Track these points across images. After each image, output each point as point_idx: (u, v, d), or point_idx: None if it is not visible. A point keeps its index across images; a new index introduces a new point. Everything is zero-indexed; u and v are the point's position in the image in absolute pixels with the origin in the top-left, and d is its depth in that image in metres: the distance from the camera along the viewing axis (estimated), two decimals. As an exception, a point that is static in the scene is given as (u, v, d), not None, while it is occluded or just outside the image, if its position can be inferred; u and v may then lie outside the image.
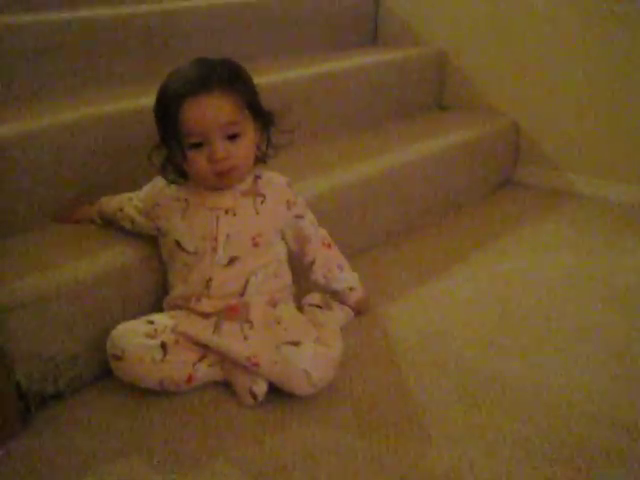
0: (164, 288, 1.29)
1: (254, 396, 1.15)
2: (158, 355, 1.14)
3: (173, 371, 1.15)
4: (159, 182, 1.29)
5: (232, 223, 1.22)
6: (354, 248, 1.68)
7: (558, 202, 2.11)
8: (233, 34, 2.02)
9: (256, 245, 1.23)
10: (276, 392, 1.17)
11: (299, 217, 1.32)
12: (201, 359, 1.18)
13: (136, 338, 1.15)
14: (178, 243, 1.23)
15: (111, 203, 1.35)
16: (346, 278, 1.39)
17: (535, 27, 2.14)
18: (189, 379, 1.17)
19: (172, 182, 1.27)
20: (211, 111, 1.16)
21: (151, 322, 1.18)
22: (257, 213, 1.25)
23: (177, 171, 1.26)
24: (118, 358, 1.15)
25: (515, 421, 1.12)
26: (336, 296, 1.40)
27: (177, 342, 1.16)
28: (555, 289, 1.56)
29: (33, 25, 1.62)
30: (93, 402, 1.19)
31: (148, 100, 1.29)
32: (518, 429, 1.10)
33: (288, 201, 1.30)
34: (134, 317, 1.24)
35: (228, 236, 1.22)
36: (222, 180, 1.21)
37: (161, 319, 1.20)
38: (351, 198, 1.66)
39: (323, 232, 1.38)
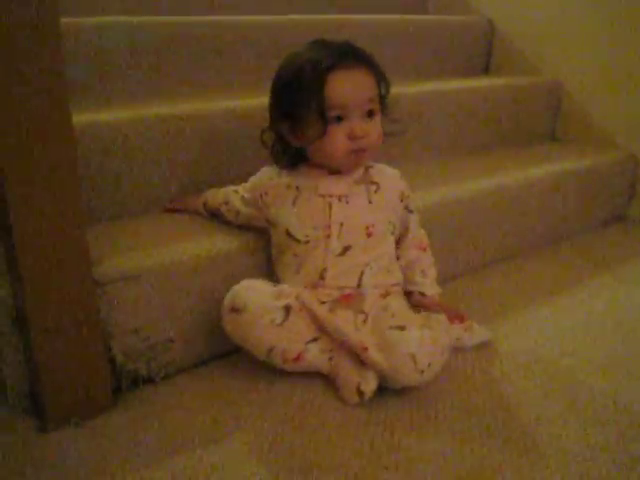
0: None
1: (361, 394, 1.09)
2: (279, 318, 1.08)
3: (286, 341, 1.09)
4: (267, 172, 1.26)
5: (346, 211, 1.18)
6: (459, 266, 1.65)
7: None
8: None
9: (370, 235, 1.19)
10: (382, 393, 1.12)
11: (410, 211, 1.30)
12: (315, 340, 1.13)
13: (262, 296, 1.10)
14: (289, 232, 1.19)
15: (217, 196, 1.34)
16: (423, 283, 1.31)
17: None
18: (298, 357, 1.11)
19: (283, 167, 1.24)
20: (358, 85, 1.13)
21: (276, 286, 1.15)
22: (370, 202, 1.21)
23: (288, 156, 1.22)
24: (237, 311, 1.09)
25: (634, 441, 1.02)
26: (410, 297, 1.31)
27: (300, 310, 1.12)
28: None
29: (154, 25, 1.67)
30: (185, 388, 1.17)
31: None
32: (636, 449, 1.00)
33: (402, 192, 1.27)
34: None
35: (342, 224, 1.17)
36: (357, 158, 1.17)
37: (286, 286, 1.16)
38: (459, 215, 1.61)
39: (422, 232, 1.34)
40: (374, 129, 1.16)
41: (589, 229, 2.04)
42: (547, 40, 2.30)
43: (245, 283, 1.13)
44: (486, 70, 2.49)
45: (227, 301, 1.12)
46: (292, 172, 1.23)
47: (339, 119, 1.13)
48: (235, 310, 1.10)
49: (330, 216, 1.17)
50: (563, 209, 1.91)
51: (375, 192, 1.22)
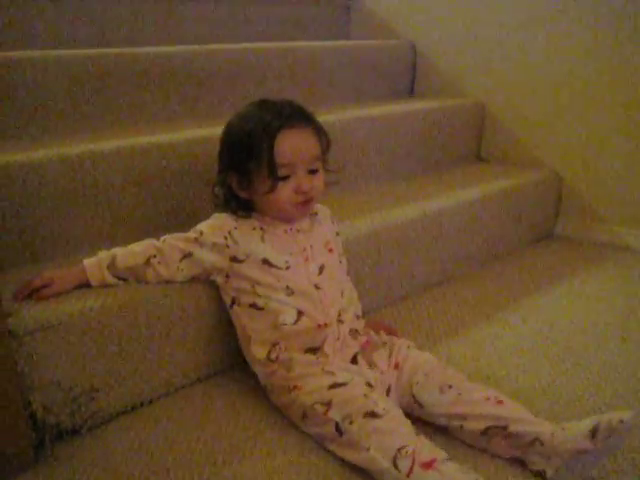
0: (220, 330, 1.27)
1: None
2: None
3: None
4: (224, 216, 1.26)
5: (308, 237, 1.27)
6: (395, 294, 1.66)
7: (602, 255, 2.03)
8: (270, 80, 2.01)
9: (330, 251, 1.30)
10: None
11: (338, 234, 1.39)
12: None
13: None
14: (267, 261, 1.21)
15: (135, 253, 1.20)
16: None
17: (575, 75, 2.09)
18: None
19: (238, 216, 1.25)
20: (304, 144, 1.22)
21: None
22: (319, 224, 1.32)
23: (238, 205, 1.26)
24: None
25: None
26: None
27: None
28: (604, 336, 1.49)
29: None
30: (111, 441, 1.11)
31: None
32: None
33: (332, 217, 1.38)
34: (156, 351, 1.19)
35: (311, 246, 1.26)
36: (302, 210, 1.25)
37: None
38: (390, 242, 1.61)
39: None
40: (318, 182, 1.25)
41: (519, 248, 2.07)
42: (469, 62, 2.34)
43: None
44: (411, 93, 2.51)
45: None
46: (248, 219, 1.26)
47: (286, 176, 1.20)
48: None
49: (300, 243, 1.25)
50: (492, 230, 1.94)
51: (317, 219, 1.32)
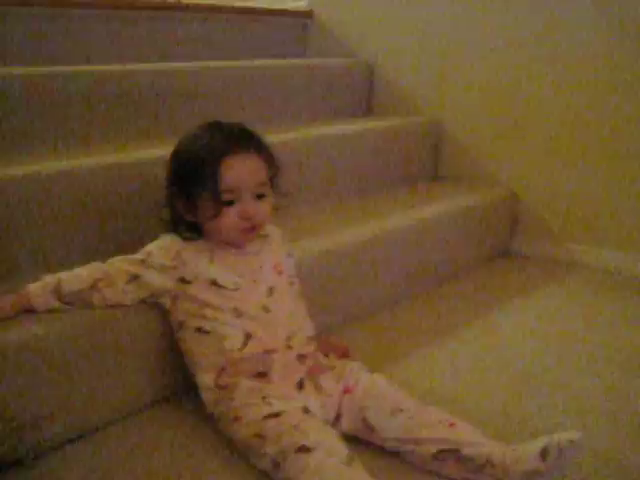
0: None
1: None
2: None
3: None
4: (171, 238, 1.24)
5: (257, 258, 1.27)
6: (350, 314, 1.65)
7: (558, 272, 2.06)
8: (227, 98, 2.00)
9: (279, 273, 1.28)
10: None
11: (289, 255, 1.37)
12: None
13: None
14: (216, 283, 1.20)
15: (81, 277, 1.17)
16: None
17: (530, 92, 2.12)
18: None
19: (186, 238, 1.24)
20: (249, 170, 1.21)
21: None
22: (269, 246, 1.31)
23: (188, 228, 1.25)
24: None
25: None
26: None
27: None
28: (559, 354, 1.50)
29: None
30: (57, 470, 1.08)
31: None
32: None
33: (283, 238, 1.37)
34: (104, 377, 1.16)
35: (261, 268, 1.26)
36: (247, 235, 1.25)
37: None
38: (345, 262, 1.61)
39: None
40: (264, 208, 1.24)
41: (475, 266, 2.08)
42: (425, 80, 2.36)
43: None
44: (368, 112, 2.52)
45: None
46: (196, 241, 1.24)
47: (232, 201, 1.20)
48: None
49: (249, 264, 1.25)
50: (448, 248, 1.94)
51: (267, 241, 1.31)
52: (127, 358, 1.20)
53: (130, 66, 1.82)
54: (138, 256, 1.21)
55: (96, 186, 1.39)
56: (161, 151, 1.43)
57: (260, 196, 1.23)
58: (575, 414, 1.27)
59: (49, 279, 1.16)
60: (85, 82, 1.68)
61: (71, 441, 1.15)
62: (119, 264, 1.20)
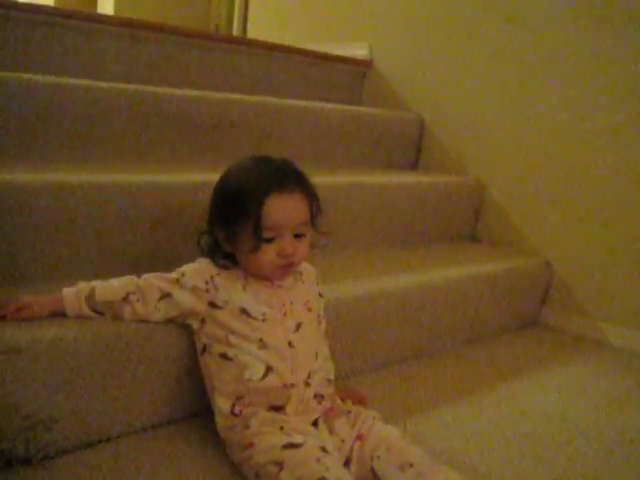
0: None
1: None
2: None
3: None
4: (204, 261, 1.26)
5: (290, 293, 1.27)
6: (372, 362, 1.64)
7: (583, 349, 2.03)
8: (279, 134, 2.05)
9: (309, 310, 1.28)
10: None
11: (321, 295, 1.38)
12: None
13: None
14: (245, 310, 1.21)
15: (113, 288, 1.20)
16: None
17: (582, 171, 2.13)
18: None
19: (221, 266, 1.25)
20: (293, 209, 1.22)
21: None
22: (303, 283, 1.31)
23: (225, 257, 1.26)
24: None
25: None
26: None
27: None
28: (574, 430, 1.47)
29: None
30: (63, 474, 1.08)
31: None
32: None
33: (316, 277, 1.38)
34: (123, 389, 1.17)
35: (292, 303, 1.25)
36: (283, 273, 1.25)
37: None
38: (374, 311, 1.61)
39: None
40: (303, 247, 1.25)
41: (502, 332, 2.06)
42: (474, 140, 2.37)
43: None
44: (415, 165, 2.54)
45: None
46: (230, 269, 1.26)
47: (272, 239, 1.20)
48: None
49: (280, 297, 1.25)
50: (477, 311, 1.93)
51: (301, 278, 1.32)
52: (149, 374, 1.22)
53: (191, 92, 1.88)
54: (173, 275, 1.23)
55: (142, 203, 1.43)
56: (207, 176, 1.45)
57: (299, 235, 1.24)
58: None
59: (83, 286, 1.19)
60: (148, 102, 1.74)
61: (81, 447, 1.16)
62: (153, 280, 1.22)
